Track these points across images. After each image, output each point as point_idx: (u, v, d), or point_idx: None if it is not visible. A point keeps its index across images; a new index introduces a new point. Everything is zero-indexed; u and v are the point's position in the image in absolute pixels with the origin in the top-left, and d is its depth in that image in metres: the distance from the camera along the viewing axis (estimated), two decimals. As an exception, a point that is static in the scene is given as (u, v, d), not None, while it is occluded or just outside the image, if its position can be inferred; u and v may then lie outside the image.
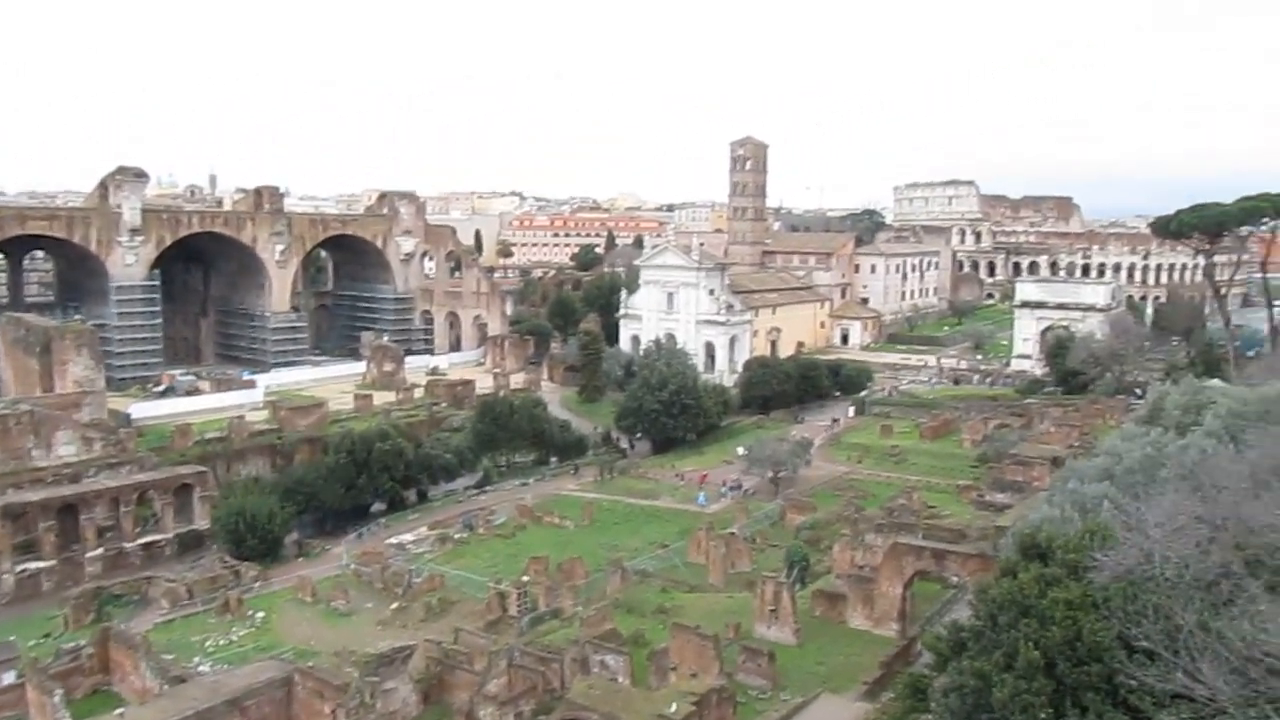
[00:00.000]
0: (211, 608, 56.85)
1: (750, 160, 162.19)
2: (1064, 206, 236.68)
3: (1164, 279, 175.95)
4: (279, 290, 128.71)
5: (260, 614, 56.10)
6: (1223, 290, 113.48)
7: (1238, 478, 26.18)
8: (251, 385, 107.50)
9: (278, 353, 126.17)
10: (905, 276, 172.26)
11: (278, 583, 61.99)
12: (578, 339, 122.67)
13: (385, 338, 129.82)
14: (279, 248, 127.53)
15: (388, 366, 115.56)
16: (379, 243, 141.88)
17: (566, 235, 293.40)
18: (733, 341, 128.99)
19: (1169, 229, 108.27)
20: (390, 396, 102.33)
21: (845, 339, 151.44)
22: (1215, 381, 59.94)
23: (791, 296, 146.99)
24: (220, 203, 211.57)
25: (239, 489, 73.45)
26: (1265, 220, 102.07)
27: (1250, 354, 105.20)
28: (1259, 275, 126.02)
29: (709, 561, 58.08)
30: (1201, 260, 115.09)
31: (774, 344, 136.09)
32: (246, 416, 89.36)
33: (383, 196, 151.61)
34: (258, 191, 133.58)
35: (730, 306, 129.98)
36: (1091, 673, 22.53)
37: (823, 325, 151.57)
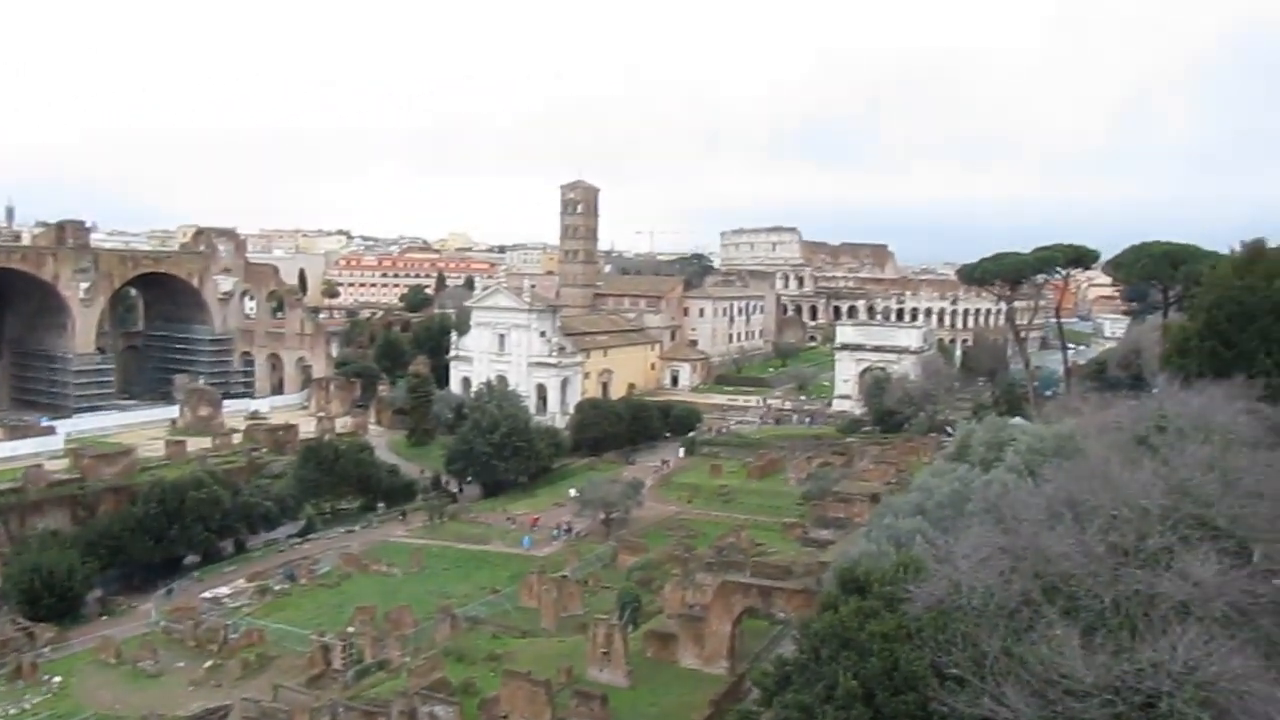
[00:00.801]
0: (1, 674, 52.53)
1: (581, 204, 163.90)
2: (880, 254, 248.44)
3: (971, 323, 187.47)
4: (83, 330, 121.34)
5: (57, 679, 52.12)
6: (1023, 334, 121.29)
7: (1036, 510, 27.57)
8: (51, 432, 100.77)
9: (80, 397, 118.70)
10: (732, 319, 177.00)
11: (78, 644, 57.74)
12: (407, 381, 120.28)
13: (201, 380, 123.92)
14: (84, 285, 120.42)
15: (203, 411, 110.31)
16: (195, 281, 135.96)
17: (395, 275, 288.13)
18: (564, 383, 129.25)
19: (974, 276, 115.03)
20: (206, 442, 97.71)
21: (675, 380, 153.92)
22: (1016, 420, 63.26)
23: (623, 339, 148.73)
24: (18, 237, 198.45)
25: (34, 544, 68.30)
26: (1058, 269, 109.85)
27: (1048, 394, 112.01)
28: (1054, 320, 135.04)
29: (541, 605, 57.55)
30: (1004, 306, 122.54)
31: (606, 386, 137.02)
32: (44, 465, 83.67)
33: (200, 233, 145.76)
34: (60, 226, 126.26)
35: (562, 348, 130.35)
36: (907, 701, 23.36)
37: (653, 367, 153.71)
